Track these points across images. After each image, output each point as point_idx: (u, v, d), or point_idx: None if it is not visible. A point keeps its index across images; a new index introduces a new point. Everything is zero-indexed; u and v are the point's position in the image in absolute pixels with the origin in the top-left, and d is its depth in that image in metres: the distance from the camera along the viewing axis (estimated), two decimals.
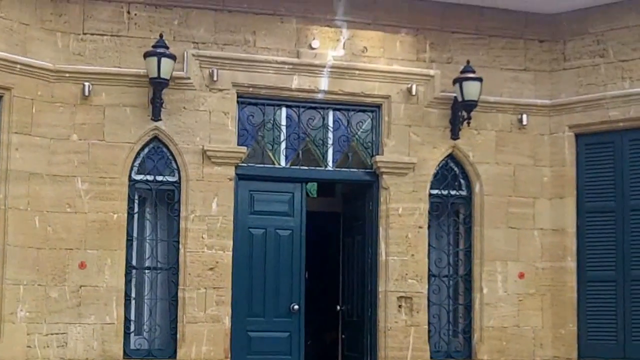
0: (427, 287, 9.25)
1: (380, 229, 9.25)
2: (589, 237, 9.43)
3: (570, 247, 9.43)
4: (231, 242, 8.83)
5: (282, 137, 9.22)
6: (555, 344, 9.40)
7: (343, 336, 10.01)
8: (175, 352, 8.61)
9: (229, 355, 8.73)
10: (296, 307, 9.05)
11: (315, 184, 12.52)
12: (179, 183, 8.82)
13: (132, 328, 8.70)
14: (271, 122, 9.20)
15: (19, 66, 8.27)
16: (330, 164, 9.38)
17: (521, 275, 9.43)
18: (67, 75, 8.58)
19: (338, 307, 10.13)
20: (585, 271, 9.40)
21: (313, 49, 9.17)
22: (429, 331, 9.26)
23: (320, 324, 11.52)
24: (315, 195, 12.91)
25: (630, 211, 9.27)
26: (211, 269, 8.70)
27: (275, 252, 9.13)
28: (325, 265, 10.90)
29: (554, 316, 9.43)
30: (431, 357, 9.17)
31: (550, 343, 9.41)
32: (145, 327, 8.76)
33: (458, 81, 9.08)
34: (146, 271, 8.82)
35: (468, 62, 9.20)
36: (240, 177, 9.00)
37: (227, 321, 8.74)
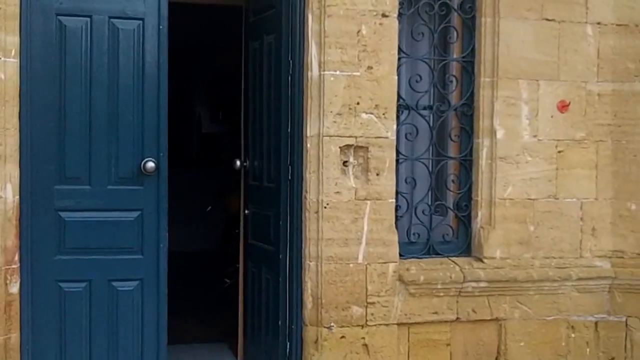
0: (394, 128, 5.09)
1: (309, 19, 4.98)
2: None
3: None
4: (17, 40, 4.60)
5: None
6: (617, 229, 5.44)
7: (246, 212, 5.82)
8: None
9: (18, 257, 4.60)
10: (151, 164, 4.85)
11: None
12: None
13: None
14: None
15: None
16: None
17: (563, 106, 5.37)
18: None
19: (237, 163, 5.91)
20: None
21: None
22: (398, 208, 5.20)
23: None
24: None
25: None
26: None
27: (111, 63, 4.85)
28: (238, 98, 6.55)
29: (617, 180, 5.44)
30: (401, 255, 5.14)
31: (609, 227, 5.44)
32: None
33: None
34: None
35: None
36: None
37: (10, 194, 4.56)
